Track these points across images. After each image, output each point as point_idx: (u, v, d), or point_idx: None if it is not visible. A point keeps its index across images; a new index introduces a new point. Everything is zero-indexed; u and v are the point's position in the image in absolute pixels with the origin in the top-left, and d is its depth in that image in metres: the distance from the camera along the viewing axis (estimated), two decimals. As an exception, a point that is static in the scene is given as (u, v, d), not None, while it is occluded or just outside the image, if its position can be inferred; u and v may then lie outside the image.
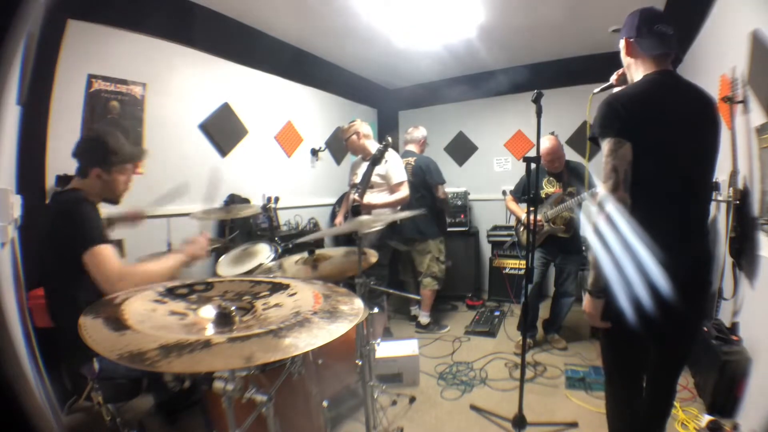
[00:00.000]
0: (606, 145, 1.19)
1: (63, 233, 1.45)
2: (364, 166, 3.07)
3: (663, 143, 1.18)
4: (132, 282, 1.38)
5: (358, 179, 3.06)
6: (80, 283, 1.45)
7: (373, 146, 3.08)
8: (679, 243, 1.18)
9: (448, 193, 3.58)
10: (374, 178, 2.92)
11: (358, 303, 0.91)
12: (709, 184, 1.30)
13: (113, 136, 1.64)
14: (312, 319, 0.79)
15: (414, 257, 3.53)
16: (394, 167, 3.03)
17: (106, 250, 1.44)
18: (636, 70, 1.32)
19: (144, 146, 1.77)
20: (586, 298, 1.30)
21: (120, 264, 1.45)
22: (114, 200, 1.69)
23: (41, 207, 1.97)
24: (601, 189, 1.20)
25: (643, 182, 1.16)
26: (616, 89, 1.49)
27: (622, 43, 1.35)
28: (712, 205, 1.90)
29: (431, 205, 3.42)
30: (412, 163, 3.45)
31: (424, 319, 3.50)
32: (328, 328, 0.76)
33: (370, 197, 2.97)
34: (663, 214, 1.18)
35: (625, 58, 1.36)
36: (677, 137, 1.19)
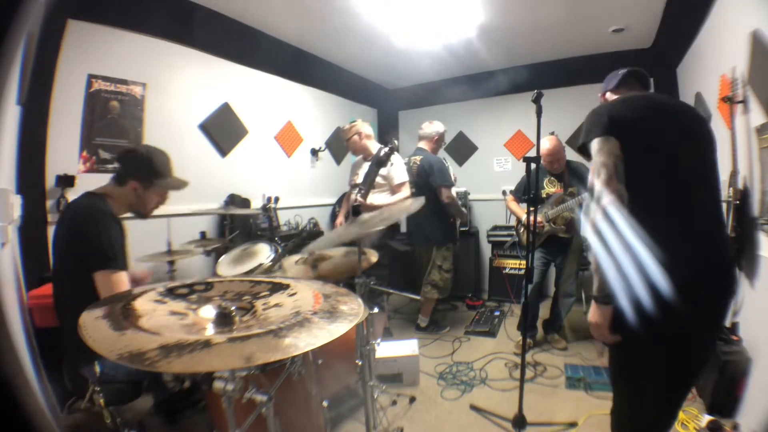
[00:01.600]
0: (593, 146, 1.19)
1: (83, 242, 1.41)
2: (365, 166, 3.07)
3: (654, 142, 1.17)
4: None
5: (359, 179, 3.06)
6: (91, 284, 1.45)
7: (374, 146, 3.08)
8: (682, 245, 1.12)
9: (454, 197, 3.21)
10: (377, 179, 2.92)
11: (359, 303, 0.91)
12: (711, 183, 1.24)
13: (162, 160, 1.65)
14: (312, 319, 0.79)
15: (424, 262, 3.39)
16: (397, 168, 3.04)
17: (121, 278, 1.41)
18: None
19: (185, 179, 1.76)
20: (592, 307, 1.18)
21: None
22: (143, 215, 1.69)
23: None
24: (596, 185, 1.15)
25: (637, 183, 1.13)
26: None
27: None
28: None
29: (437, 210, 3.15)
30: (418, 162, 3.25)
31: (422, 322, 3.43)
32: (328, 328, 0.75)
33: (371, 198, 2.97)
34: (663, 215, 1.14)
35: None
36: (668, 135, 1.18)
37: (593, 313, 1.18)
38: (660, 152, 1.17)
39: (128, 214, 1.67)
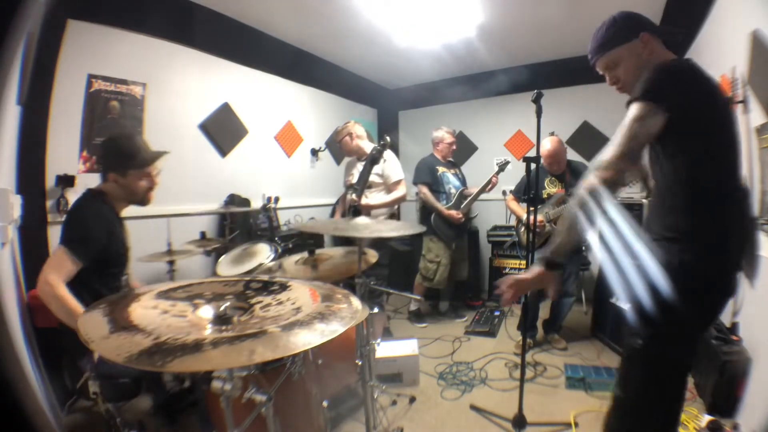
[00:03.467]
0: (636, 108, 1.02)
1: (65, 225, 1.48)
2: (359, 166, 3.07)
3: (717, 130, 1.05)
4: (45, 296, 1.35)
5: (354, 179, 3.05)
6: (89, 277, 1.46)
7: (367, 146, 3.08)
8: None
9: (424, 193, 3.49)
10: (372, 178, 2.91)
11: (357, 303, 0.91)
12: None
13: (129, 141, 1.63)
14: (310, 319, 0.79)
15: None
16: (392, 166, 3.03)
17: (60, 254, 1.41)
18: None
19: (163, 150, 1.72)
20: (535, 267, 1.09)
21: (56, 274, 1.39)
22: (139, 202, 1.67)
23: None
24: (607, 150, 1.02)
25: (701, 176, 1.02)
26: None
27: (624, 50, 1.22)
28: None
29: (423, 204, 3.53)
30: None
31: (412, 306, 3.69)
32: (326, 328, 0.75)
33: (368, 197, 2.97)
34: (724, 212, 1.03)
35: (640, 59, 1.20)
36: (722, 123, 1.07)
37: (532, 271, 1.09)
38: (721, 139, 1.06)
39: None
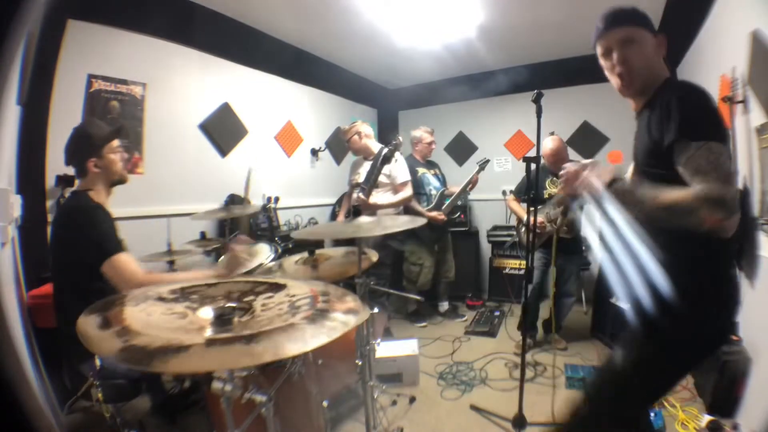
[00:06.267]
0: (715, 146, 0.98)
1: (78, 241, 1.47)
2: (366, 165, 3.08)
3: None
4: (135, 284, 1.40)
5: (360, 179, 3.06)
6: (91, 281, 1.46)
7: (374, 146, 3.09)
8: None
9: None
10: (380, 178, 2.92)
11: (359, 303, 0.91)
12: None
13: (89, 123, 1.69)
14: (311, 319, 0.78)
15: None
16: (400, 167, 3.04)
17: (124, 259, 1.47)
18: (663, 72, 1.16)
19: (118, 125, 1.83)
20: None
21: (141, 271, 1.48)
22: (121, 180, 1.70)
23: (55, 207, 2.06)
24: (705, 189, 0.92)
25: None
26: None
27: (646, 34, 1.18)
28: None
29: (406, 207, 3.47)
30: None
31: (411, 306, 3.69)
32: (325, 329, 0.75)
33: (375, 197, 2.98)
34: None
35: (653, 55, 1.19)
36: None
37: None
38: None
39: (120, 215, 1.69)
